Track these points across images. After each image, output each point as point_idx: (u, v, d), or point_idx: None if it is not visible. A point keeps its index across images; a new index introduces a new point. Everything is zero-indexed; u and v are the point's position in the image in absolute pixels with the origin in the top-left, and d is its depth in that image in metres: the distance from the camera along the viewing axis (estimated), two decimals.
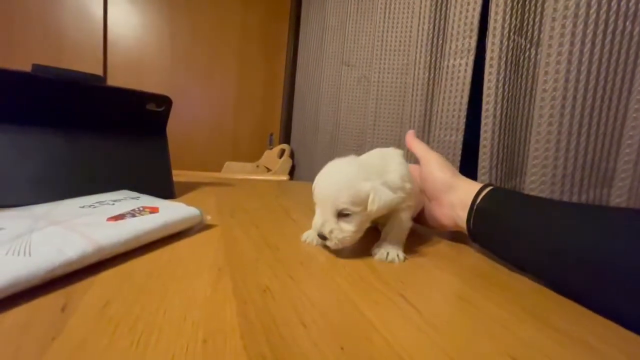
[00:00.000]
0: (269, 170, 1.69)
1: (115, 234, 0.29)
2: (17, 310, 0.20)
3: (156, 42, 1.67)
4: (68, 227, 0.28)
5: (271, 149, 1.82)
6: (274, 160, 1.68)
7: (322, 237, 0.34)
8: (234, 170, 1.75)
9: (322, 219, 0.34)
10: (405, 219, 0.37)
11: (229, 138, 1.88)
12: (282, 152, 1.68)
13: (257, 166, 1.81)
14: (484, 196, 0.37)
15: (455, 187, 0.40)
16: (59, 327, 0.19)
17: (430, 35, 0.66)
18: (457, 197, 0.40)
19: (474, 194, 0.38)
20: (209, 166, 1.76)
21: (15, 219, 0.29)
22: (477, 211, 0.37)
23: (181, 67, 1.71)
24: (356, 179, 0.33)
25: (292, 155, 1.67)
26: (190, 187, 0.65)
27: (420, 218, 0.44)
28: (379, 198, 0.33)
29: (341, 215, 0.33)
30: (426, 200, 0.44)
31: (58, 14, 1.49)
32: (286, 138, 1.80)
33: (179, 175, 0.73)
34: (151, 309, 0.22)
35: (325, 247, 0.35)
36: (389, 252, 0.35)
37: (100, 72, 1.57)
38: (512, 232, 0.34)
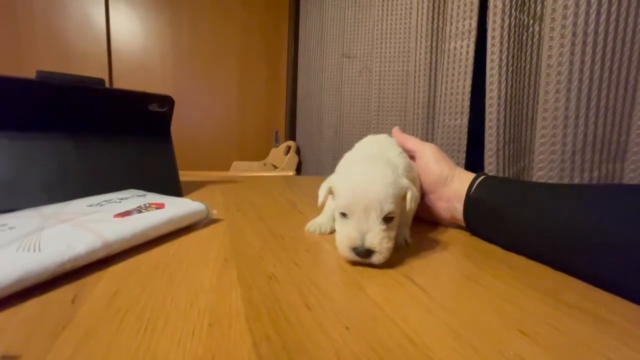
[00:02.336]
0: (276, 167, 1.69)
1: (123, 230, 0.29)
2: (29, 303, 0.21)
3: (159, 47, 1.68)
4: (76, 224, 0.29)
5: (277, 146, 1.82)
6: (281, 157, 1.68)
7: (367, 252, 0.27)
8: (242, 170, 1.77)
9: (363, 228, 0.28)
10: (410, 202, 0.37)
11: (235, 138, 1.89)
12: (288, 149, 1.68)
13: (265, 164, 1.82)
14: (477, 186, 0.37)
15: (452, 179, 0.40)
16: (69, 317, 0.20)
17: (430, 19, 0.65)
18: (453, 189, 0.39)
19: (468, 185, 0.38)
20: (216, 167, 1.78)
21: (25, 218, 0.30)
22: (471, 202, 0.37)
23: (185, 70, 1.73)
24: (395, 176, 0.30)
25: (298, 152, 1.67)
26: (197, 185, 0.65)
27: (417, 211, 0.42)
28: (415, 195, 0.31)
29: (385, 220, 0.29)
30: (424, 194, 0.43)
31: (63, 24, 1.51)
32: (292, 135, 1.80)
33: (186, 176, 0.74)
34: (158, 298, 0.22)
35: (357, 264, 0.29)
36: (397, 237, 0.34)
37: (105, 79, 1.60)
38: (505, 218, 0.33)
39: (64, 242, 0.25)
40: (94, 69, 1.57)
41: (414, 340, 0.19)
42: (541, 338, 0.19)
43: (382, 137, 0.42)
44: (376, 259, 0.28)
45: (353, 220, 0.29)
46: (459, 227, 0.42)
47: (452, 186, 0.39)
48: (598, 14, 0.41)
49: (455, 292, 0.25)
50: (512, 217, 0.33)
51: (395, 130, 0.46)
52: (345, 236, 0.28)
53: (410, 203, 0.31)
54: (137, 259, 0.29)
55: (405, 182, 0.31)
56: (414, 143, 0.43)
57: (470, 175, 0.39)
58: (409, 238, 0.35)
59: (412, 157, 0.43)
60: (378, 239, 0.27)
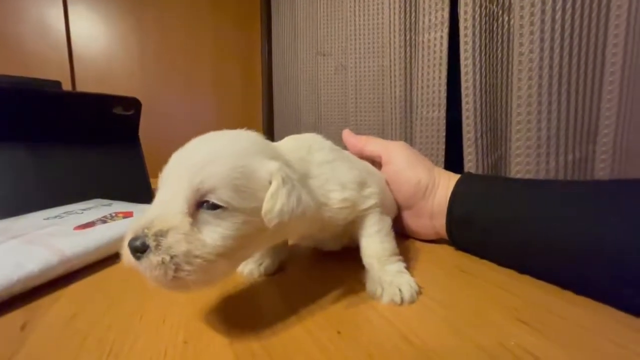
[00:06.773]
0: None
1: (83, 242, 0.26)
2: None
3: (125, 50, 1.60)
4: (29, 240, 0.25)
5: None
6: None
7: (138, 247, 0.15)
8: None
9: (156, 209, 0.17)
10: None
11: None
12: None
13: None
14: (460, 197, 0.29)
15: (433, 187, 0.30)
16: (17, 346, 0.17)
17: (403, 12, 0.65)
18: (437, 201, 0.30)
19: (449, 195, 0.29)
20: None
21: None
22: (454, 221, 0.29)
23: (155, 74, 1.65)
24: (254, 152, 0.19)
25: None
26: None
27: (396, 227, 0.30)
28: (289, 197, 0.18)
29: (205, 207, 0.17)
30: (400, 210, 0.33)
31: (19, 31, 1.41)
32: (269, 137, 1.77)
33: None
34: (125, 316, 0.20)
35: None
36: (401, 287, 0.21)
37: (68, 86, 1.50)
38: (502, 235, 0.26)
39: (13, 261, 0.22)
40: (56, 76, 1.47)
41: (412, 340, 0.17)
42: (543, 327, 0.18)
43: (305, 135, 0.30)
44: (145, 264, 0.15)
45: (156, 198, 0.18)
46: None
47: (436, 198, 0.30)
48: (563, 6, 0.42)
49: (451, 287, 0.24)
50: (512, 232, 0.25)
51: (346, 132, 0.35)
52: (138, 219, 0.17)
53: (271, 201, 0.17)
54: (103, 273, 0.26)
55: (269, 165, 0.19)
56: (375, 145, 0.33)
57: (454, 180, 0.30)
58: (412, 281, 0.22)
59: (376, 164, 0.33)
60: (168, 225, 0.15)
